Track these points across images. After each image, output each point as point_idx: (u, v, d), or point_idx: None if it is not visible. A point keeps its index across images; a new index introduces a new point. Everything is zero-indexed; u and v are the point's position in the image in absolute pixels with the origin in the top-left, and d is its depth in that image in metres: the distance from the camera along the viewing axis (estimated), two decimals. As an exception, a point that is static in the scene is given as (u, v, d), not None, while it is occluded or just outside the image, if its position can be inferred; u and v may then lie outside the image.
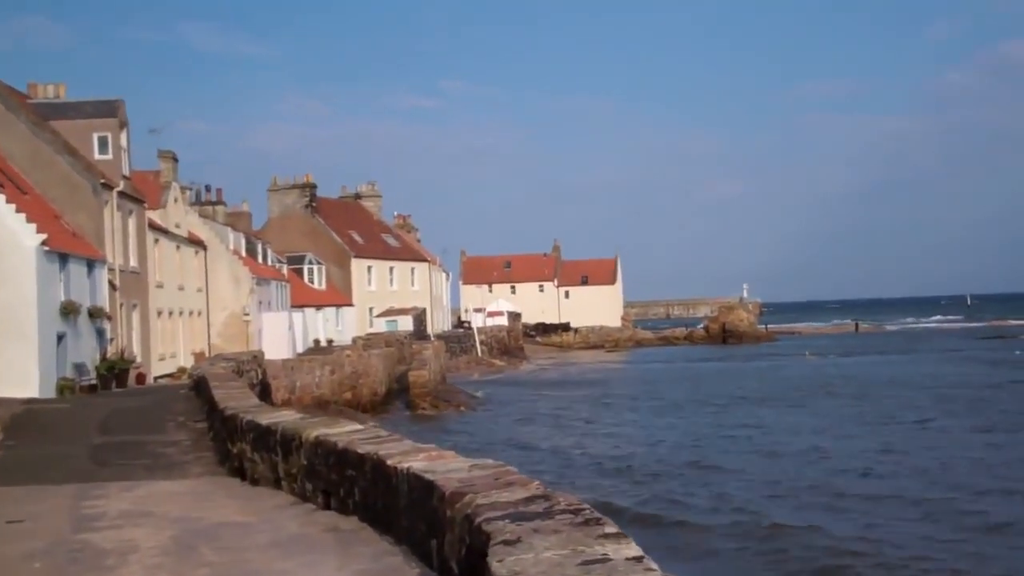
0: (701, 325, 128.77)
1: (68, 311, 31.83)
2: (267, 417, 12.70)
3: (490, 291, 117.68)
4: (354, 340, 61.03)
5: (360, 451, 9.31)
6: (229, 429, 14.38)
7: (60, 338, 31.43)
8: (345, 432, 10.48)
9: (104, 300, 35.59)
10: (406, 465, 7.99)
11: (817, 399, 50.72)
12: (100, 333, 35.20)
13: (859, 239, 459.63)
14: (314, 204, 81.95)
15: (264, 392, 34.01)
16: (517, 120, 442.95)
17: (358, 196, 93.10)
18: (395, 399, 50.75)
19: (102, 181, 36.69)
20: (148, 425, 20.55)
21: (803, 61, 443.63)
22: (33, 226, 30.06)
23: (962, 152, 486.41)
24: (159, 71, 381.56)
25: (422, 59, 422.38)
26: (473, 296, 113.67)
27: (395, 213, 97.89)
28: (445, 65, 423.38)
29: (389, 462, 8.47)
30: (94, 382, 32.87)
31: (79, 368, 32.37)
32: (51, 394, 29.72)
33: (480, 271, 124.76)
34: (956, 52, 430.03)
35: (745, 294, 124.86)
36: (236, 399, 16.28)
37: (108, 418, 22.04)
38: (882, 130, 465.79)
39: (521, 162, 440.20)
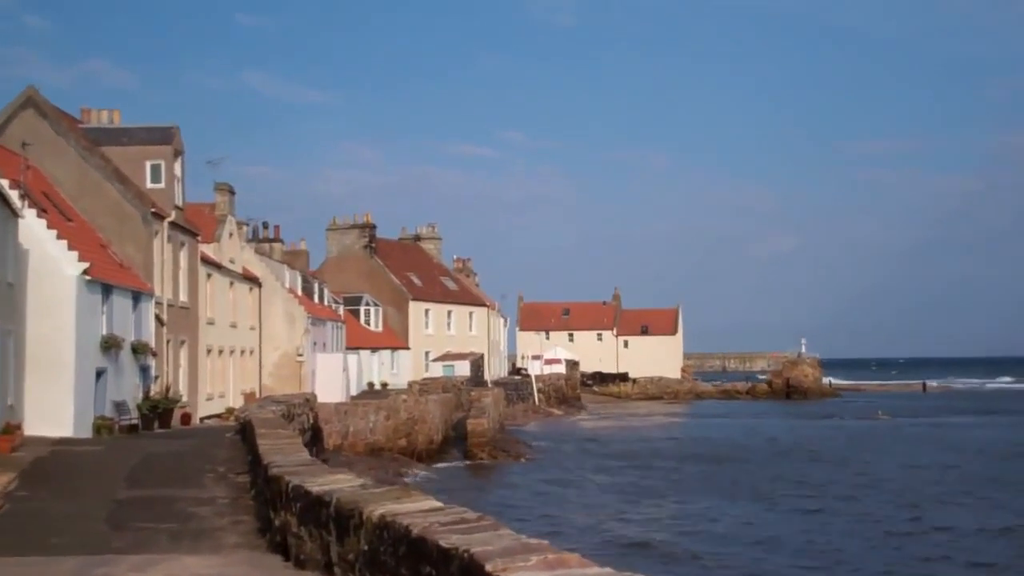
0: (763, 379, 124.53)
1: (109, 345, 29.75)
2: (319, 483, 10.16)
3: (547, 338, 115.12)
4: (410, 384, 58.86)
5: (443, 544, 6.74)
6: (273, 492, 11.89)
7: (99, 374, 29.32)
8: (419, 511, 7.92)
9: (150, 335, 33.52)
10: (517, 577, 5.46)
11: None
12: (144, 370, 33.10)
13: (913, 297, 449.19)
14: (373, 245, 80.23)
15: (315, 437, 31.70)
16: (574, 171, 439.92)
17: (417, 238, 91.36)
18: (451, 447, 48.49)
19: (153, 210, 34.78)
20: (183, 475, 18.20)
21: (857, 118, 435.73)
22: (75, 254, 28.04)
23: (1021, 213, 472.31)
24: (220, 116, 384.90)
25: (480, 110, 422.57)
26: (530, 342, 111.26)
27: (454, 256, 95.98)
28: (502, 117, 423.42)
29: (488, 567, 5.92)
30: (135, 422, 30.75)
31: (119, 407, 30.22)
32: (87, 434, 27.56)
33: (538, 317, 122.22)
34: (1017, 113, 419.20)
35: (804, 349, 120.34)
36: (283, 452, 13.82)
37: (140, 465, 19.72)
38: (939, 188, 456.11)
39: (579, 212, 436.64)
